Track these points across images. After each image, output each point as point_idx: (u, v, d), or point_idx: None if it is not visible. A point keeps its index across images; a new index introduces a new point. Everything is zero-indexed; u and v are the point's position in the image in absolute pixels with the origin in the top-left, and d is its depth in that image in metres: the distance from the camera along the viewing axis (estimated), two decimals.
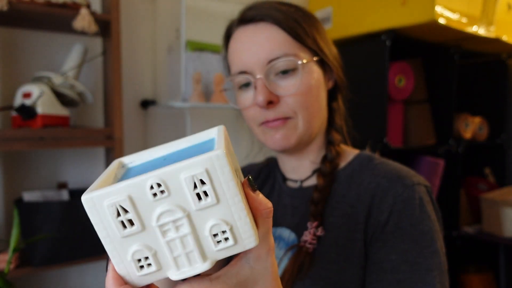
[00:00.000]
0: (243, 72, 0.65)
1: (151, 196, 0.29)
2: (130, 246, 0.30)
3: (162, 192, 0.29)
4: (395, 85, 1.50)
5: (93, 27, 1.17)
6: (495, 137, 1.93)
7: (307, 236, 0.61)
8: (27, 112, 1.12)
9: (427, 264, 0.55)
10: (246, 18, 0.66)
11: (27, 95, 1.14)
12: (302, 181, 0.71)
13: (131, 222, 0.29)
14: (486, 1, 1.55)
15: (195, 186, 0.29)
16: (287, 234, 0.67)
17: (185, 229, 0.30)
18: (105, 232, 0.29)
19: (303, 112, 0.64)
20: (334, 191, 0.65)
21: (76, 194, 1.34)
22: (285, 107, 0.64)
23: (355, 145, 0.75)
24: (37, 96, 1.13)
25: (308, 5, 1.79)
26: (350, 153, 0.71)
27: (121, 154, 1.24)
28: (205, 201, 0.29)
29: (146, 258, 0.30)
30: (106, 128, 1.31)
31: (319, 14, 1.72)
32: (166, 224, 0.30)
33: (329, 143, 0.70)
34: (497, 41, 1.66)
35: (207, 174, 0.29)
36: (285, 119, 0.64)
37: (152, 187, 0.29)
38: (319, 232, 0.61)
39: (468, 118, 1.82)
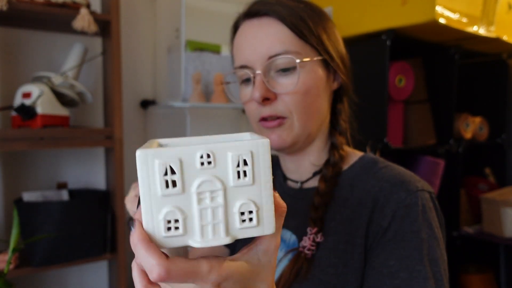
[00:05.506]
0: (244, 67, 0.65)
1: (198, 164, 0.33)
2: (165, 205, 0.33)
3: (209, 163, 0.33)
4: (395, 85, 1.50)
5: (93, 27, 1.17)
6: (495, 137, 1.93)
7: (306, 242, 0.61)
8: (27, 112, 1.12)
9: (426, 272, 0.54)
10: (251, 11, 0.65)
11: (26, 95, 1.14)
12: (302, 182, 0.70)
13: (174, 184, 0.33)
14: (487, 1, 1.54)
15: (238, 165, 0.33)
16: (288, 236, 0.66)
17: (219, 200, 0.33)
18: (148, 188, 0.32)
19: (299, 112, 0.63)
20: (336, 194, 0.65)
21: (76, 194, 1.34)
22: (281, 105, 0.63)
23: (355, 146, 0.74)
24: (37, 96, 1.13)
25: None
26: (353, 155, 0.69)
27: (121, 154, 1.24)
28: (242, 180, 0.34)
29: (176, 221, 0.33)
30: (106, 128, 1.31)
31: None
32: (204, 193, 0.33)
33: (332, 146, 0.69)
34: (497, 41, 1.66)
35: (251, 157, 0.33)
36: (281, 119, 0.63)
37: (202, 157, 0.33)
38: (319, 238, 0.61)
39: (469, 118, 1.82)
